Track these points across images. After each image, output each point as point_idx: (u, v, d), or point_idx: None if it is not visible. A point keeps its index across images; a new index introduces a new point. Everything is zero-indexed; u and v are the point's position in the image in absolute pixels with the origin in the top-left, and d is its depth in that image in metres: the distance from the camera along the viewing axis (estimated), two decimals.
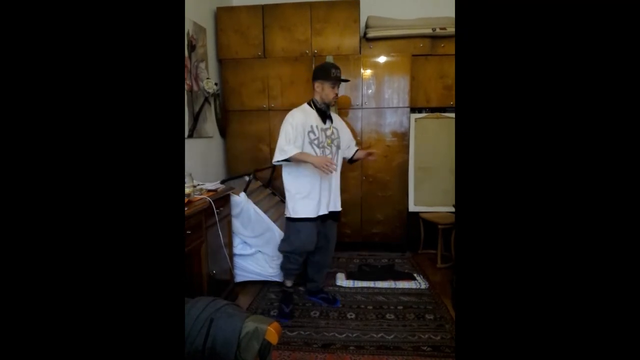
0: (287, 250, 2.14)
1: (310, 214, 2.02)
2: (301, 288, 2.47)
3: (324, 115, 2.06)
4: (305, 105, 2.07)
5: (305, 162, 1.91)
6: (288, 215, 2.10)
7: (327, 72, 1.99)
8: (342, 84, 2.95)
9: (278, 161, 1.97)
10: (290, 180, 2.05)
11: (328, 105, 2.06)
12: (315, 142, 1.99)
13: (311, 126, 1.98)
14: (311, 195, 2.02)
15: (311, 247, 2.10)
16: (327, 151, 2.03)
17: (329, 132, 2.05)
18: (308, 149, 1.97)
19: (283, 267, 2.22)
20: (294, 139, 1.92)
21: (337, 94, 2.03)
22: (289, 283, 2.21)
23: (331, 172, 1.92)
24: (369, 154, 2.21)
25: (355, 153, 2.26)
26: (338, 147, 2.10)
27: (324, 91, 2.00)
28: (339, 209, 2.19)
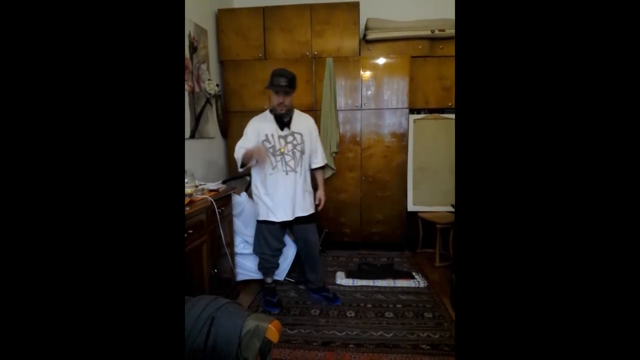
0: (257, 250, 2.26)
1: (271, 217, 2.11)
2: (301, 286, 2.49)
3: (282, 122, 2.05)
4: (267, 112, 2.11)
5: (251, 159, 1.96)
6: (257, 218, 2.22)
7: (270, 80, 2.00)
8: (342, 85, 3.01)
9: (240, 169, 2.06)
10: (256, 183, 2.16)
11: (286, 111, 2.04)
12: (271, 150, 2.03)
13: (266, 135, 2.04)
14: (273, 200, 2.09)
15: (279, 246, 2.24)
16: (288, 157, 2.05)
17: (289, 139, 2.05)
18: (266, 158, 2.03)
19: (261, 268, 2.31)
20: (246, 143, 2.02)
21: (281, 102, 1.99)
22: (269, 280, 2.33)
23: (260, 158, 1.94)
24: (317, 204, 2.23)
25: (315, 171, 2.22)
26: (302, 152, 2.08)
27: (271, 98, 2.04)
28: (307, 213, 2.16)
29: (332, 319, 2.07)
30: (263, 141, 2.03)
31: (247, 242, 2.49)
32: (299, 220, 2.15)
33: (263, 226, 2.18)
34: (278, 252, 2.28)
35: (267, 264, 2.26)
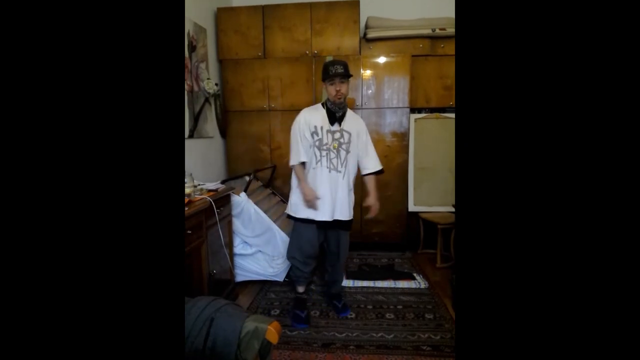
0: (289, 254, 2.15)
1: (310, 215, 1.99)
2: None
3: (334, 117, 1.96)
4: (319, 105, 2.03)
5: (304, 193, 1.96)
6: (287, 212, 2.10)
7: (325, 71, 1.91)
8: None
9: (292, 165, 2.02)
10: (295, 178, 2.06)
11: (339, 106, 1.95)
12: (317, 143, 1.94)
13: (315, 127, 1.94)
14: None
15: (312, 252, 2.07)
16: (333, 154, 1.94)
17: (337, 135, 1.94)
18: (310, 151, 1.96)
19: (292, 275, 2.18)
20: (299, 142, 1.96)
21: (338, 90, 1.88)
22: (300, 289, 2.17)
23: (314, 205, 1.94)
24: (369, 208, 2.06)
25: (367, 177, 2.07)
26: (347, 152, 1.96)
27: (327, 91, 1.94)
28: (346, 218, 2.02)
29: (332, 320, 2.06)
30: (312, 133, 1.93)
31: (246, 242, 2.47)
32: (336, 224, 2.00)
33: (298, 225, 2.04)
34: (310, 260, 2.09)
35: (298, 271, 2.11)
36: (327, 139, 1.94)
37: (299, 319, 2.02)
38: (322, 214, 1.97)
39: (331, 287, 2.24)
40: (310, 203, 1.95)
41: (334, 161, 1.95)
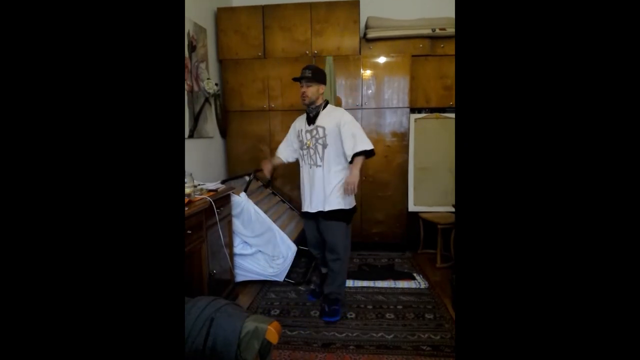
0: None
1: (303, 209, 2.21)
2: (301, 288, 2.48)
3: (309, 117, 2.11)
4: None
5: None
6: None
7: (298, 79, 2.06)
8: (343, 84, 3.00)
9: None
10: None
11: (311, 107, 2.05)
12: (300, 144, 2.16)
13: (299, 131, 2.15)
14: (300, 192, 2.21)
15: (313, 240, 2.27)
16: (312, 151, 2.07)
17: (313, 133, 2.07)
18: (298, 152, 2.20)
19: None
20: (287, 140, 2.27)
21: (303, 92, 2.01)
22: (323, 270, 2.37)
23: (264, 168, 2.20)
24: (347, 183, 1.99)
25: (354, 159, 2.00)
26: (324, 146, 2.03)
27: None
28: (327, 209, 2.04)
29: None
30: (297, 136, 2.17)
31: (246, 242, 2.47)
32: (321, 215, 2.07)
33: (303, 219, 2.32)
34: (314, 246, 2.30)
35: (315, 256, 2.38)
36: (305, 138, 2.11)
37: (314, 293, 2.36)
38: (307, 205, 2.15)
39: (326, 285, 2.18)
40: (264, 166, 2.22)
41: (313, 157, 2.08)
